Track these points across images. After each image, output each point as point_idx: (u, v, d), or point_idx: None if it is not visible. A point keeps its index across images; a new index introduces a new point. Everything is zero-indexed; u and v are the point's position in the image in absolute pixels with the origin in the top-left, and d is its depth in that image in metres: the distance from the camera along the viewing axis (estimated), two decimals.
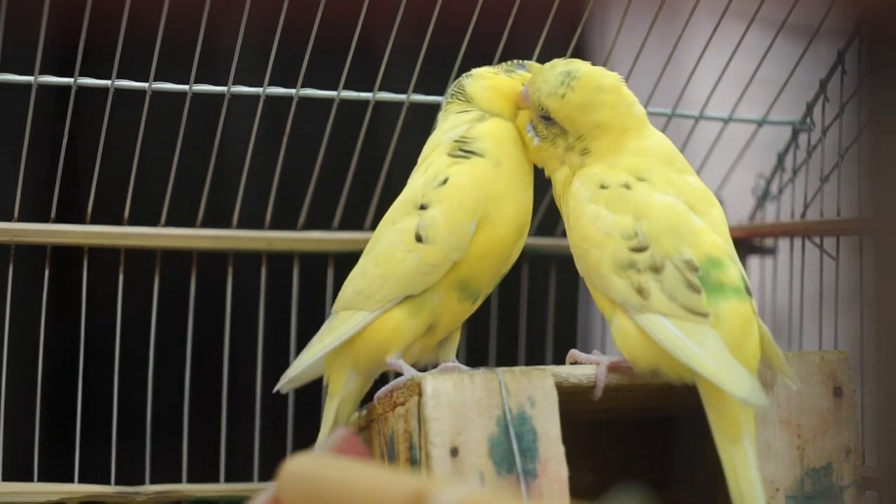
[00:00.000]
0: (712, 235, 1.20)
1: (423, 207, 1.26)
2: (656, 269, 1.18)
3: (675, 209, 1.20)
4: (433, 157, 1.29)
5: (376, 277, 1.27)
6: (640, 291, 1.18)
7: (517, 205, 1.27)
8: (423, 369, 1.25)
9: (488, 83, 1.30)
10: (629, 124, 1.24)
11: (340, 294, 1.30)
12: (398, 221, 1.28)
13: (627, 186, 1.21)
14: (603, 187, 1.22)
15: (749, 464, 1.15)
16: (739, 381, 1.14)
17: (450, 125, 1.30)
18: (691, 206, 1.21)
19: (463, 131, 1.28)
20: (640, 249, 1.19)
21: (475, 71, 1.32)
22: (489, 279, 1.27)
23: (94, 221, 1.39)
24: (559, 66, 1.25)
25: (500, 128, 1.29)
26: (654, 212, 1.20)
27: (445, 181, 1.26)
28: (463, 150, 1.27)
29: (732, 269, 1.19)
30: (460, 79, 1.33)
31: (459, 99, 1.31)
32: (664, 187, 1.21)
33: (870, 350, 1.26)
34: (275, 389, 1.33)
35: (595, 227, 1.21)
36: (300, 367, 1.30)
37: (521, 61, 1.32)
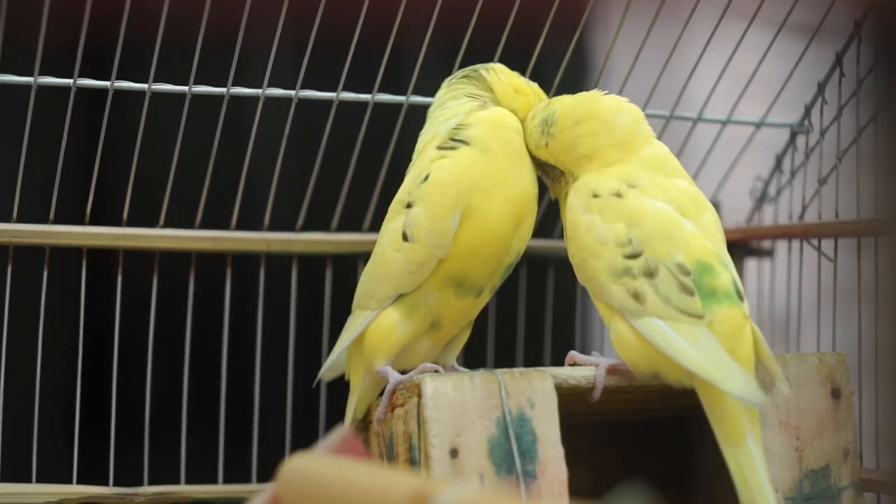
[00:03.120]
0: (703, 241, 1.20)
1: (409, 206, 1.26)
2: (650, 274, 1.18)
3: (667, 214, 1.21)
4: (424, 152, 1.29)
5: (375, 276, 1.27)
6: (636, 296, 1.18)
7: (509, 192, 1.25)
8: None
9: (511, 82, 1.30)
10: (613, 141, 1.25)
11: (356, 291, 1.32)
12: (391, 221, 1.28)
13: (619, 195, 1.22)
14: (595, 196, 1.22)
15: (756, 466, 1.15)
16: (734, 379, 1.14)
17: (451, 114, 1.29)
18: (682, 211, 1.22)
19: (461, 119, 1.28)
20: (633, 256, 1.19)
21: (495, 66, 1.32)
22: (487, 272, 1.25)
23: (92, 223, 1.39)
24: (538, 114, 1.27)
25: (500, 116, 1.28)
26: (645, 218, 1.21)
27: (427, 178, 1.25)
28: (452, 139, 1.26)
29: (724, 274, 1.20)
30: (477, 67, 1.31)
31: (474, 84, 1.30)
32: (655, 193, 1.22)
33: (877, 350, 1.26)
34: (314, 384, 1.36)
35: (590, 237, 1.21)
36: (330, 363, 1.32)
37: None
